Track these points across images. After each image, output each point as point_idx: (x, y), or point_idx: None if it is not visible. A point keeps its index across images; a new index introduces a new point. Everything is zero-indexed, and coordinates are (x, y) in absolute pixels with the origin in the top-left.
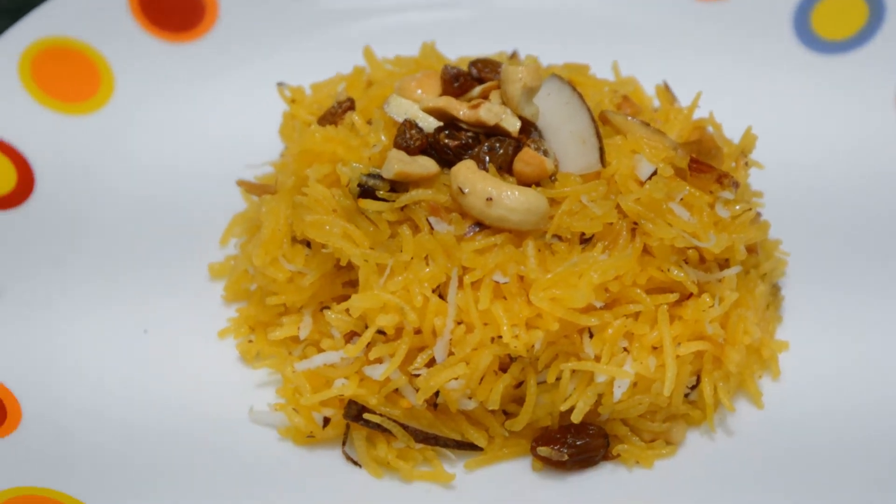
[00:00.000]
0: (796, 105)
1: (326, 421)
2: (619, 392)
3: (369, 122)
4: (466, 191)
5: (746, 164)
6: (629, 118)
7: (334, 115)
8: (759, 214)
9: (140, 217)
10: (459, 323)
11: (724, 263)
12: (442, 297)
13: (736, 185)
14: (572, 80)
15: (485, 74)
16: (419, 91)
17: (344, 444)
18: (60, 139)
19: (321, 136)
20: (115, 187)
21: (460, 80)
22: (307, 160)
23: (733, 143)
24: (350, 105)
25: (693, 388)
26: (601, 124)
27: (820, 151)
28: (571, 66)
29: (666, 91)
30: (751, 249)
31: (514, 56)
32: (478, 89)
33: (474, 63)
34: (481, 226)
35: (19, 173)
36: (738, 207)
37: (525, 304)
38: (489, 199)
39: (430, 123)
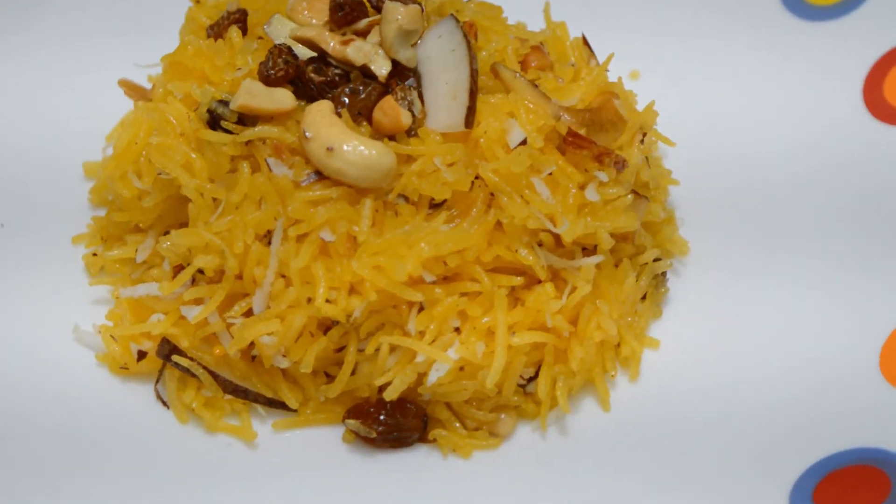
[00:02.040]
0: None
1: (141, 355)
2: (434, 375)
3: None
4: (309, 135)
5: (642, 141)
6: (517, 75)
7: (220, 26)
8: (641, 198)
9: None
10: (283, 276)
11: (591, 250)
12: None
13: (620, 164)
14: (474, 24)
15: (382, 4)
16: (306, 13)
17: (157, 381)
18: None
19: (193, 50)
20: None
21: (345, 9)
22: (176, 73)
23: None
24: (239, 17)
25: (531, 379)
26: (492, 78)
27: (778, 136)
28: (482, 5)
29: (583, 46)
30: (623, 238)
31: None
32: (364, 21)
33: None
34: (321, 175)
35: None
36: (612, 191)
37: (351, 267)
38: (329, 149)
39: (305, 52)
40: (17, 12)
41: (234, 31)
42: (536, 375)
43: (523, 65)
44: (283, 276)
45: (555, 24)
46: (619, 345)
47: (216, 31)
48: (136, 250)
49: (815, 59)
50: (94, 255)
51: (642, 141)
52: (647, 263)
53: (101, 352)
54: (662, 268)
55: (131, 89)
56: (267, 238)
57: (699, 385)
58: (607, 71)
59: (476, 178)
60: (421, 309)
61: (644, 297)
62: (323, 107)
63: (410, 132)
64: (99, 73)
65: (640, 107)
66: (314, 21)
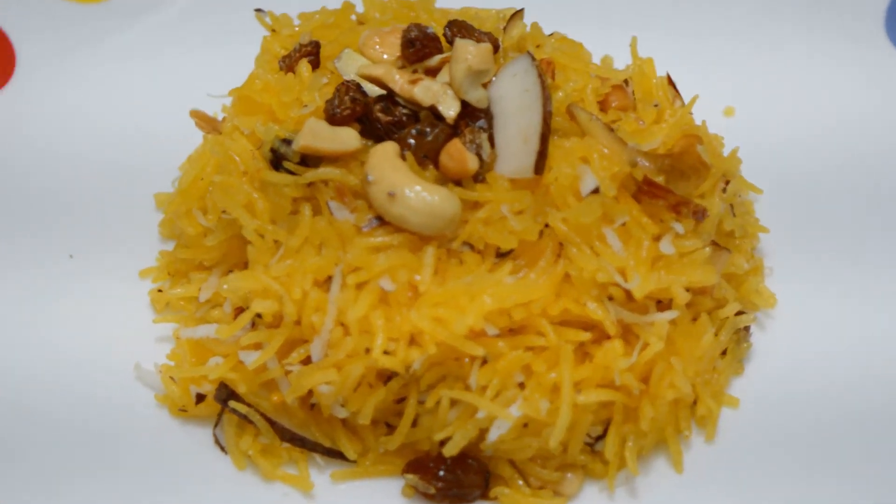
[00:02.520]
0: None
1: (200, 398)
2: (496, 432)
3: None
4: (371, 179)
5: (724, 189)
6: (593, 118)
7: (292, 58)
8: (722, 250)
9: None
10: (342, 325)
11: (666, 304)
12: None
13: (700, 214)
14: (552, 62)
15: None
16: (378, 48)
17: (216, 425)
18: None
19: (261, 84)
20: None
21: (416, 45)
22: (244, 108)
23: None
24: (311, 50)
25: (599, 438)
26: (568, 119)
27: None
28: (563, 41)
29: (668, 85)
30: (701, 292)
31: (515, 16)
32: (437, 58)
33: (450, 24)
34: (383, 221)
35: None
36: (689, 243)
37: (410, 317)
38: (391, 194)
39: (375, 89)
40: (100, 31)
41: (304, 65)
42: (605, 434)
43: (603, 105)
44: (342, 325)
45: (641, 61)
46: (695, 403)
47: (287, 63)
48: (200, 289)
49: None
50: (160, 290)
51: (724, 189)
52: (727, 318)
53: (161, 392)
54: (745, 322)
55: (203, 120)
56: (327, 284)
57: (779, 442)
58: (691, 113)
59: (545, 226)
60: (484, 362)
61: (724, 353)
62: (387, 149)
63: (478, 177)
64: (177, 99)
65: (727, 149)
66: (385, 56)
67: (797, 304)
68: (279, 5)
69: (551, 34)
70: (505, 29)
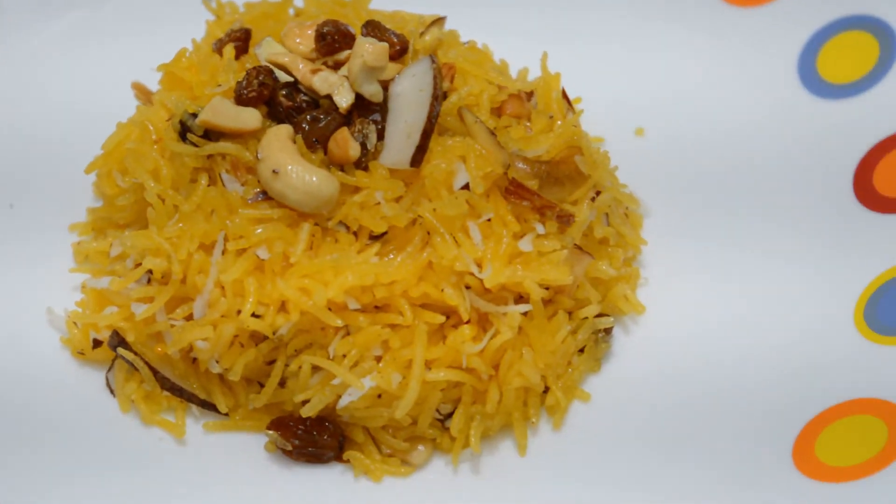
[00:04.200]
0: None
1: (97, 343)
2: (346, 399)
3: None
4: (260, 156)
5: (594, 199)
6: (477, 121)
7: (222, 43)
8: (584, 254)
9: None
10: (222, 286)
11: (526, 299)
12: None
13: (565, 219)
14: (453, 66)
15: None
16: (297, 39)
17: (109, 370)
18: None
19: (187, 63)
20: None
21: (327, 39)
22: (170, 84)
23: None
24: (240, 36)
25: (449, 415)
26: (458, 121)
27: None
28: (471, 49)
29: (561, 99)
30: (560, 290)
31: (435, 23)
32: (346, 53)
33: (367, 24)
34: (267, 196)
35: None
36: (547, 243)
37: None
38: (275, 171)
39: (285, 76)
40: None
41: (229, 49)
42: (454, 412)
43: (499, 111)
44: (222, 287)
45: (548, 75)
46: (546, 393)
47: (218, 46)
48: (111, 245)
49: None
50: (79, 244)
51: (594, 199)
52: (587, 318)
53: (66, 336)
54: (604, 324)
55: (141, 92)
56: (211, 248)
57: (625, 435)
58: (577, 125)
59: (418, 217)
60: (346, 334)
61: (582, 351)
62: (280, 131)
63: (360, 164)
64: (131, 73)
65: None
66: (302, 47)
67: (666, 315)
68: None
69: (467, 42)
70: (421, 33)
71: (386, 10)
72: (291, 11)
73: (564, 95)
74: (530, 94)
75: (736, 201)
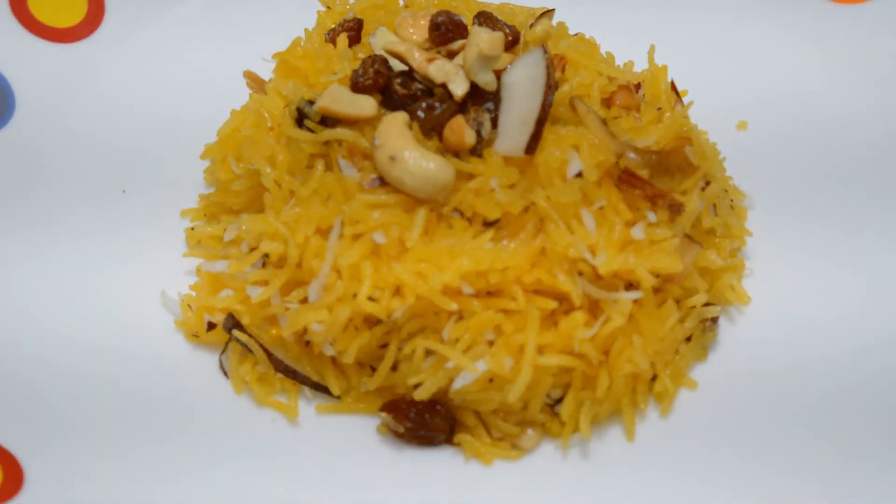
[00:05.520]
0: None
1: (211, 326)
2: (460, 382)
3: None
4: (378, 143)
5: (704, 189)
6: (590, 111)
7: (335, 32)
8: (693, 243)
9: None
10: (338, 271)
11: (635, 286)
12: None
13: (676, 208)
14: (564, 57)
15: None
16: (411, 29)
17: (223, 352)
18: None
19: (301, 51)
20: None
21: (441, 29)
22: (284, 72)
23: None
24: (353, 26)
25: (559, 400)
26: (570, 110)
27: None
28: (580, 40)
29: (671, 91)
30: (669, 279)
31: (544, 15)
32: (460, 43)
33: (479, 14)
34: (384, 182)
35: None
36: (659, 231)
37: (395, 270)
38: (392, 157)
39: (401, 65)
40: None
41: (343, 39)
42: (564, 397)
43: (608, 102)
44: (337, 271)
45: (656, 67)
46: (654, 380)
47: (331, 36)
48: (225, 229)
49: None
50: (192, 229)
51: (704, 189)
52: (694, 307)
53: (180, 319)
54: (711, 313)
55: (253, 80)
56: (328, 233)
57: (729, 425)
58: (687, 116)
59: (532, 204)
60: (460, 319)
61: (689, 339)
62: (397, 118)
63: (475, 151)
64: (239, 61)
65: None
66: (415, 37)
67: (772, 306)
68: None
69: (575, 34)
70: (531, 25)
71: (494, 3)
72: (401, 2)
73: (673, 87)
74: (638, 86)
75: (837, 195)
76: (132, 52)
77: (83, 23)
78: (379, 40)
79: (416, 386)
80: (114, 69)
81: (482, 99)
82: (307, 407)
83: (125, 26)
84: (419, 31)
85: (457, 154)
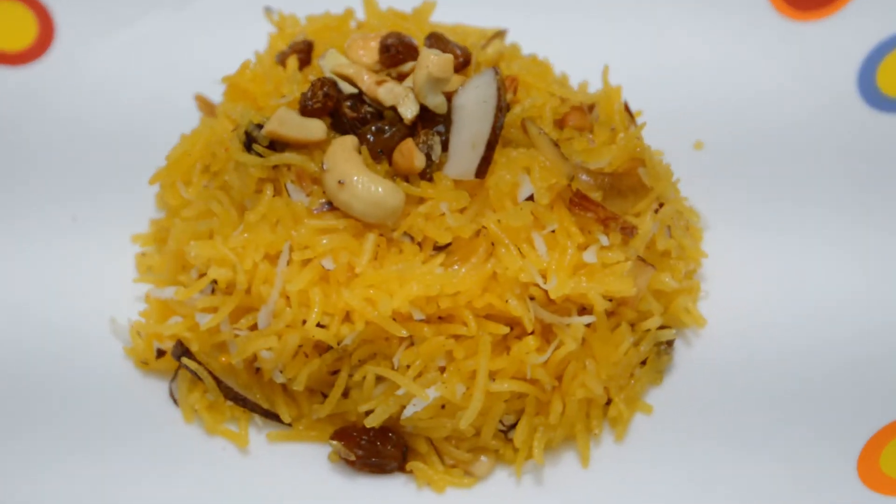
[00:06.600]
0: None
1: (160, 353)
2: (411, 409)
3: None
4: (326, 167)
5: (657, 210)
6: (541, 132)
7: (285, 55)
8: (647, 266)
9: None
10: (287, 297)
11: (589, 310)
12: None
13: (629, 231)
14: (516, 79)
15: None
16: (361, 51)
17: (172, 380)
18: None
19: (251, 74)
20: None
21: (391, 51)
22: (234, 95)
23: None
24: (303, 48)
25: (512, 427)
26: (521, 132)
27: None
28: (533, 62)
29: (624, 111)
30: (623, 302)
31: (497, 36)
32: (410, 65)
33: (430, 36)
34: (333, 206)
35: None
36: (611, 255)
37: (344, 295)
38: (340, 182)
39: (351, 88)
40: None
41: (293, 61)
42: (518, 423)
43: (561, 123)
44: (287, 297)
45: (611, 88)
46: (609, 404)
47: (281, 58)
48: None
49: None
50: (143, 255)
51: (657, 210)
52: (649, 330)
53: (129, 346)
54: (666, 336)
55: (204, 104)
56: (276, 258)
57: (687, 448)
58: (640, 138)
59: (483, 227)
60: (411, 345)
61: (644, 363)
62: (346, 142)
63: (425, 175)
64: (189, 84)
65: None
66: (366, 59)
67: (728, 329)
68: (290, 6)
69: (529, 55)
70: (483, 46)
71: (447, 24)
72: (353, 24)
73: (626, 108)
74: (592, 107)
75: (796, 215)
76: (83, 74)
77: (33, 46)
78: (329, 63)
79: (368, 413)
80: (64, 92)
81: (432, 122)
82: (258, 435)
83: (76, 49)
84: (369, 53)
85: (406, 178)
